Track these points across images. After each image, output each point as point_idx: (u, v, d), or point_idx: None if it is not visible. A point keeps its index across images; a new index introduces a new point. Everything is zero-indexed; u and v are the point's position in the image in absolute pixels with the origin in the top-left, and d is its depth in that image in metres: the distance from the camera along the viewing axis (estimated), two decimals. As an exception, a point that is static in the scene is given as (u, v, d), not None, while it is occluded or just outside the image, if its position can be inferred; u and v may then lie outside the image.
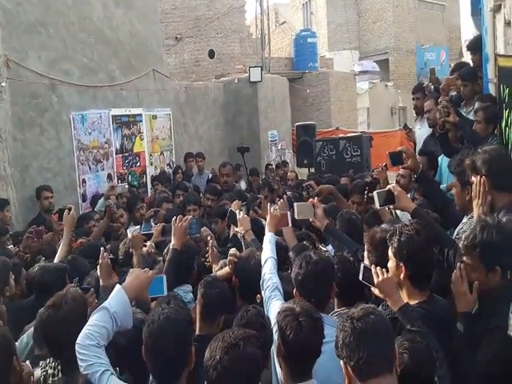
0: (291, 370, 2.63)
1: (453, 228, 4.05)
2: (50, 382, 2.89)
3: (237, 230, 4.88)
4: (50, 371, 2.91)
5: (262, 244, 4.28)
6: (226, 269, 4.20)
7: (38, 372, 2.98)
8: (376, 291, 3.05)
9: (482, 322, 2.90)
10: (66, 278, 4.16)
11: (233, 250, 4.26)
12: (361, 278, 3.20)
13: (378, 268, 3.07)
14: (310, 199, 4.75)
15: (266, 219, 5.18)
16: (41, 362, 3.02)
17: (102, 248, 4.49)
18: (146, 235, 4.92)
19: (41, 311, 3.10)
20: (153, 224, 6.29)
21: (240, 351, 2.32)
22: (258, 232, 4.64)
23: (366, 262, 3.46)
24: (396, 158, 4.29)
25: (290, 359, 2.61)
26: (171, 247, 4.28)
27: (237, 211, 4.94)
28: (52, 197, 7.48)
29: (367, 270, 3.17)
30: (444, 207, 4.16)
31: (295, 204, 4.60)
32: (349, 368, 2.18)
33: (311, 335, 2.58)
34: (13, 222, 6.98)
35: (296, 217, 4.52)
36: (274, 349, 2.97)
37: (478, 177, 3.55)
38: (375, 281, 3.03)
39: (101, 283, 4.14)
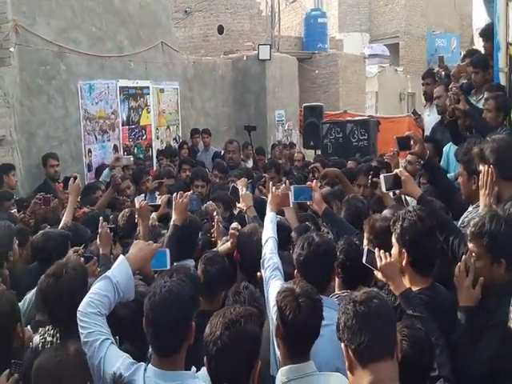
0: (289, 351, 2.62)
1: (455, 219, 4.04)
2: None
3: (239, 205, 4.87)
4: (48, 339, 2.91)
5: (263, 222, 4.28)
6: (228, 244, 4.22)
7: (36, 339, 2.99)
8: (379, 275, 3.06)
9: (484, 316, 2.90)
10: (69, 246, 4.19)
11: (234, 224, 4.28)
12: (364, 260, 3.21)
13: (382, 251, 3.08)
14: (308, 182, 4.72)
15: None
16: (40, 329, 3.03)
17: (100, 217, 4.53)
18: (153, 206, 4.90)
19: (41, 279, 3.10)
20: (157, 196, 6.29)
21: (241, 328, 2.34)
22: (261, 211, 4.63)
23: None
24: (403, 143, 4.27)
25: (289, 340, 2.61)
26: (172, 223, 4.29)
27: (240, 187, 4.94)
28: (58, 165, 7.49)
29: (371, 252, 3.18)
30: (450, 195, 4.13)
31: (292, 186, 4.55)
32: (350, 351, 2.18)
33: (310, 316, 2.57)
34: (18, 188, 7.01)
35: (293, 200, 4.47)
36: (272, 329, 2.98)
37: (486, 166, 3.53)
38: (378, 264, 3.03)
39: (100, 252, 4.18)
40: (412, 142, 4.18)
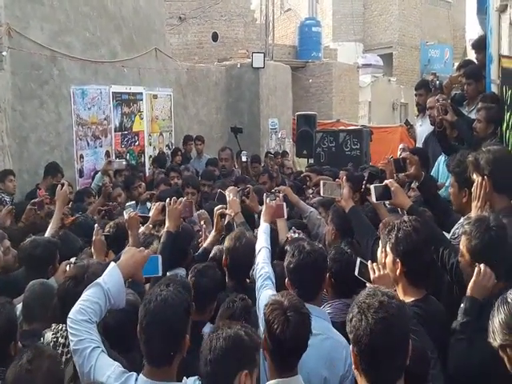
0: (276, 365, 2.58)
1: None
2: (58, 350, 2.84)
3: (226, 211, 4.85)
4: (61, 340, 2.86)
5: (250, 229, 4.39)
6: (212, 234, 4.31)
7: (48, 336, 2.94)
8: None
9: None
10: (57, 253, 4.16)
11: (219, 207, 4.34)
12: (356, 273, 3.20)
13: (375, 264, 3.07)
14: (337, 179, 4.72)
15: (252, 210, 5.18)
16: (53, 326, 2.97)
17: (96, 225, 4.49)
18: (143, 217, 4.84)
19: (62, 281, 3.09)
20: (148, 207, 6.24)
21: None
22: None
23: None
24: (399, 165, 4.27)
25: (275, 354, 2.56)
26: (165, 229, 4.25)
27: (227, 193, 4.93)
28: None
29: (363, 265, 3.16)
30: (444, 216, 4.10)
31: (321, 181, 4.59)
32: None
33: (298, 330, 2.53)
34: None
35: (322, 194, 4.58)
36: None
37: (480, 178, 3.51)
38: (371, 276, 3.01)
39: (94, 258, 4.14)
40: (408, 164, 4.17)
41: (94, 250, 4.21)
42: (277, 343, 2.53)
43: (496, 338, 2.23)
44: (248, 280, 3.93)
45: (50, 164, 7.58)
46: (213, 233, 4.49)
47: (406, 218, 3.32)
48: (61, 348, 2.80)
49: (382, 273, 3.00)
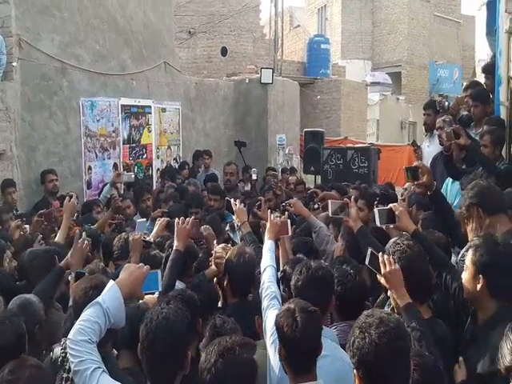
0: (293, 370, 2.57)
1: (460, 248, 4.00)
2: (66, 366, 2.83)
3: (234, 221, 4.87)
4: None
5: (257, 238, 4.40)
6: (213, 267, 4.24)
7: (57, 351, 2.92)
8: (382, 280, 3.02)
9: (475, 350, 2.88)
10: (56, 261, 4.10)
11: (219, 249, 4.28)
12: (367, 262, 3.22)
13: (387, 257, 3.04)
14: (345, 198, 4.72)
15: (266, 221, 5.17)
16: (62, 340, 2.95)
17: (77, 230, 4.44)
18: (145, 242, 4.76)
19: (81, 291, 3.07)
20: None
21: (235, 356, 2.34)
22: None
23: None
24: (412, 173, 4.26)
25: (290, 357, 2.56)
26: (174, 248, 4.17)
27: (232, 201, 4.94)
28: (57, 179, 7.47)
29: (374, 256, 3.13)
30: (454, 226, 4.10)
31: (329, 201, 4.61)
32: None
33: (307, 328, 2.53)
34: (16, 203, 6.93)
35: (330, 215, 4.63)
36: (270, 361, 2.93)
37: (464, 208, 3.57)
38: (382, 271, 2.99)
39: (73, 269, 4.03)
40: (420, 172, 4.17)
41: (71, 258, 4.07)
42: (289, 346, 2.54)
43: (504, 361, 2.23)
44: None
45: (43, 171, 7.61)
46: (213, 268, 4.32)
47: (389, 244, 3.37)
48: (68, 364, 2.77)
49: (393, 267, 2.97)
